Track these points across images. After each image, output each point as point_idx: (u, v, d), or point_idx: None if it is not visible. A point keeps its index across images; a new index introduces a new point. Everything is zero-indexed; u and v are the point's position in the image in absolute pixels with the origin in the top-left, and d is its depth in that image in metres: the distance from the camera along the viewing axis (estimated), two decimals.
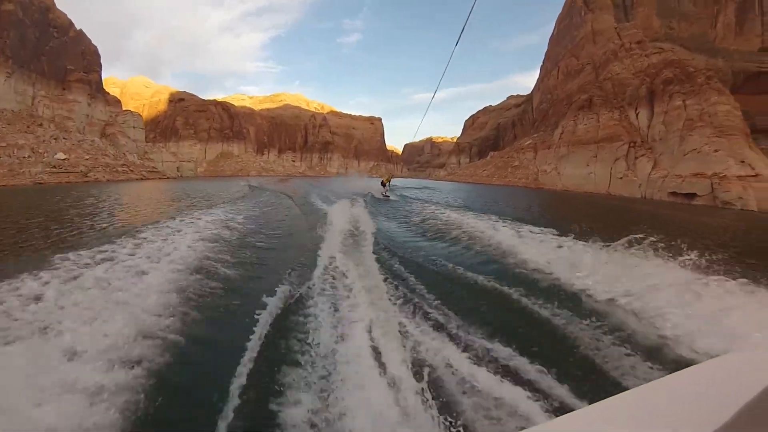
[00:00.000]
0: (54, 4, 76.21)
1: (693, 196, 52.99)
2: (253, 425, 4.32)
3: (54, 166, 58.02)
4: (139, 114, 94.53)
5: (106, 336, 5.47)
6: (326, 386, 4.89)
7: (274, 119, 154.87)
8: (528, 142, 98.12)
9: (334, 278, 9.33)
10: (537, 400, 4.54)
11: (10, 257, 11.49)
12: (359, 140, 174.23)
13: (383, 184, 36.08)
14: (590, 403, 1.63)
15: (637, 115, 68.81)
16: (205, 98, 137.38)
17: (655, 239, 10.06)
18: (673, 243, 9.77)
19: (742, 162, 52.11)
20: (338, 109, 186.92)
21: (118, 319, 5.90)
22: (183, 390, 4.86)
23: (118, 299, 6.66)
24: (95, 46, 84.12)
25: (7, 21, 63.99)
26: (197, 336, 6.17)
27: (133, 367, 4.87)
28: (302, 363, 5.42)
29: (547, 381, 4.96)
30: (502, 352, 5.71)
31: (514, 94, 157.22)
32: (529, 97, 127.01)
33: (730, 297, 6.99)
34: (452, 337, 6.20)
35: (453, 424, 4.23)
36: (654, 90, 67.22)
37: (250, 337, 6.01)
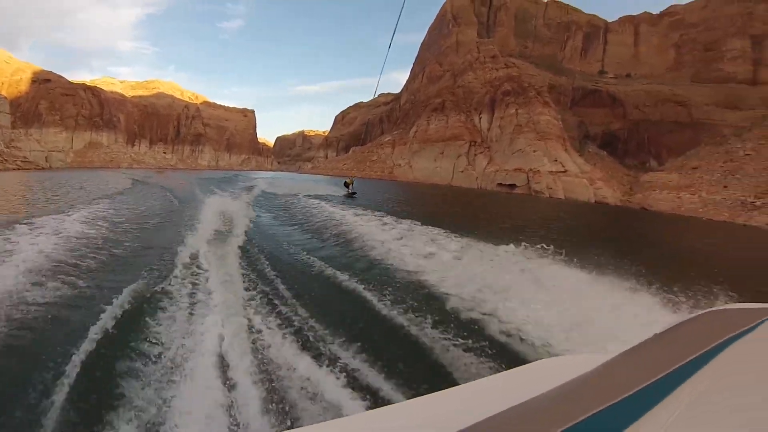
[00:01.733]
0: None
1: (514, 186, 64.28)
2: (83, 423, 4.29)
3: None
4: (5, 96, 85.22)
5: None
6: (165, 385, 4.85)
7: (146, 108, 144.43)
8: (387, 139, 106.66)
9: (193, 274, 9.18)
10: (360, 399, 4.68)
11: None
12: (232, 133, 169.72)
13: (347, 185, 36.27)
14: (411, 397, 1.87)
15: (479, 119, 79.07)
16: (70, 79, 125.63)
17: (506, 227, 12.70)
18: (521, 232, 13.07)
19: (555, 161, 65.54)
20: (212, 100, 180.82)
21: None
22: (10, 391, 4.76)
23: None
24: None
25: None
26: (27, 335, 5.99)
27: None
28: (144, 362, 5.34)
29: (377, 379, 5.10)
30: (344, 350, 5.83)
31: (386, 92, 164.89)
32: (397, 97, 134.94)
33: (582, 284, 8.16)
34: (299, 336, 6.26)
35: (283, 419, 4.38)
36: (495, 99, 78.12)
37: (87, 335, 5.84)
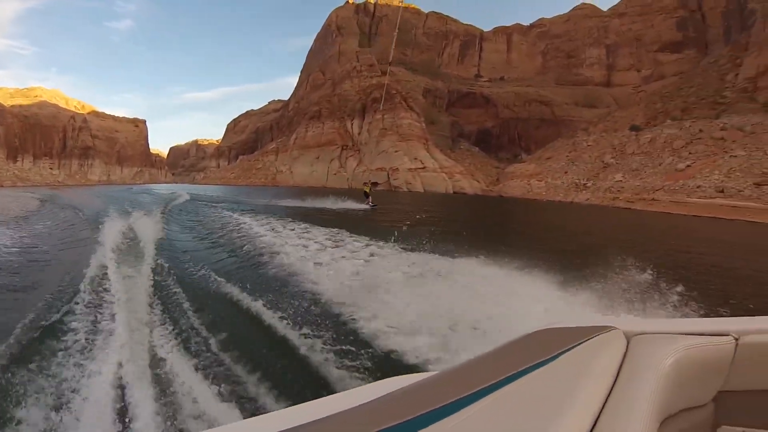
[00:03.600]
0: None
1: (376, 184, 64.47)
2: None
3: None
4: None
5: None
6: (60, 413, 4.64)
7: (27, 119, 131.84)
8: (272, 147, 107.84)
9: (98, 296, 8.71)
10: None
11: None
12: (123, 144, 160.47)
13: (366, 195, 32.62)
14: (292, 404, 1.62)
15: (352, 124, 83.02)
16: None
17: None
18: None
19: (415, 159, 70.34)
20: (102, 107, 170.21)
21: None
22: None
23: None
24: None
25: None
26: None
27: None
28: (31, 402, 4.96)
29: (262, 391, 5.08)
30: (239, 367, 5.72)
31: (275, 99, 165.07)
32: (286, 104, 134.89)
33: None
34: (200, 358, 6.06)
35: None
36: (366, 105, 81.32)
37: None
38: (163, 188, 70.33)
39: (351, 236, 14.08)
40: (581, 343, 1.39)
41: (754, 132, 47.62)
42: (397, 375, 1.66)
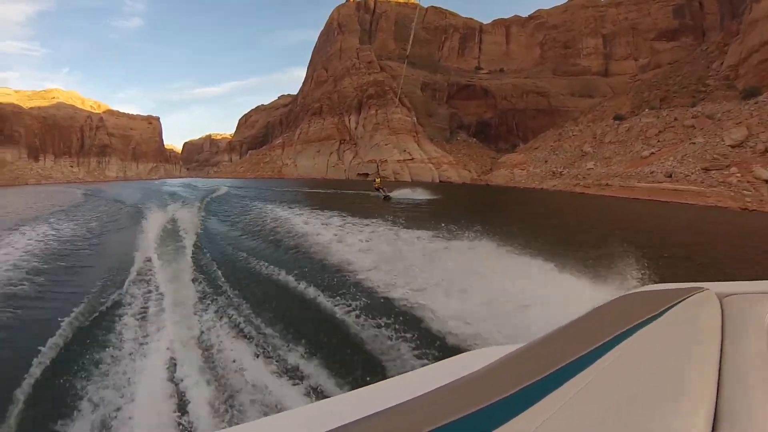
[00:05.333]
0: None
1: (367, 174, 72.42)
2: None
3: None
4: None
5: None
6: (118, 391, 5.15)
7: (46, 120, 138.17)
8: (278, 141, 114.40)
9: (144, 282, 9.65)
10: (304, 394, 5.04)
11: None
12: (137, 141, 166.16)
13: (377, 189, 35.30)
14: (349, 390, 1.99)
15: (349, 119, 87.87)
16: None
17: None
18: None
19: (405, 151, 75.63)
20: (113, 104, 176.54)
21: None
22: None
23: None
24: None
25: None
26: None
27: None
28: (98, 370, 5.64)
29: (313, 368, 5.52)
30: (293, 352, 6.08)
31: (285, 94, 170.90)
32: (295, 98, 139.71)
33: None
34: (247, 338, 6.60)
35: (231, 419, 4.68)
36: (362, 101, 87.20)
37: (44, 347, 6.25)
38: (182, 182, 76.77)
39: (368, 220, 16.43)
40: (676, 304, 1.39)
41: (721, 119, 50.19)
42: (466, 350, 1.94)
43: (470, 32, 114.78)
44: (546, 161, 64.77)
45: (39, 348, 6.18)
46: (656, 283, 1.97)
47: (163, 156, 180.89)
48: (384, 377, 4.22)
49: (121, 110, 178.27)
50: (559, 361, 1.04)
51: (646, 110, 61.41)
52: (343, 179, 76.12)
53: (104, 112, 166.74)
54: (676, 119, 54.91)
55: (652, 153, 49.48)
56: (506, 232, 11.83)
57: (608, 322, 1.43)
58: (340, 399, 1.52)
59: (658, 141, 52.50)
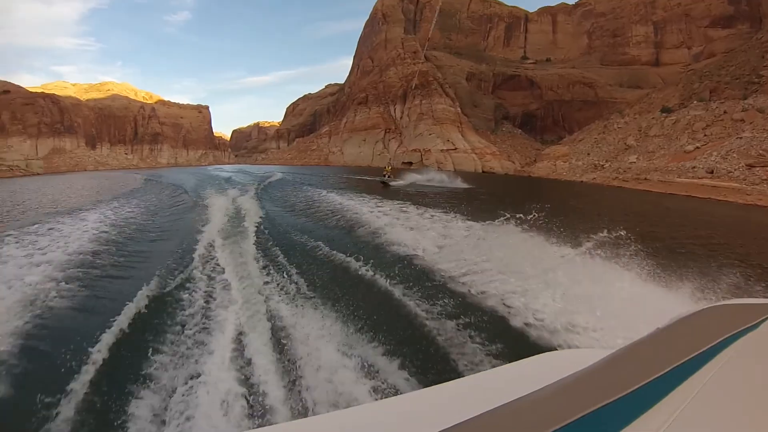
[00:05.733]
0: None
1: (411, 163, 76.27)
2: (103, 411, 4.74)
3: None
4: None
5: None
6: (186, 371, 5.31)
7: (102, 110, 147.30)
8: (325, 129, 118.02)
9: (209, 265, 9.85)
10: (376, 383, 5.00)
11: None
12: (187, 129, 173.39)
13: (385, 174, 37.14)
14: (419, 388, 2.12)
15: (394, 109, 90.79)
16: (11, 82, 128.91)
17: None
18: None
19: (448, 140, 77.81)
20: (165, 95, 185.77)
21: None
22: (33, 378, 5.40)
23: None
24: None
25: None
26: (54, 329, 6.79)
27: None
28: (163, 351, 5.82)
29: (389, 366, 5.38)
30: (361, 338, 6.08)
31: (332, 83, 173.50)
32: (341, 87, 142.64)
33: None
34: (315, 324, 6.60)
35: (303, 407, 4.70)
36: (407, 91, 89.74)
37: (109, 328, 6.42)
38: (236, 168, 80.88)
39: (424, 208, 16.51)
40: None
41: None
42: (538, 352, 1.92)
43: (516, 21, 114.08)
44: (588, 154, 65.19)
45: (108, 323, 6.53)
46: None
47: (213, 143, 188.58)
48: (457, 374, 4.37)
49: (175, 100, 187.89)
50: (662, 367, 1.06)
51: (695, 102, 60.83)
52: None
53: (156, 102, 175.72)
54: (725, 112, 54.37)
55: (697, 147, 49.59)
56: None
57: (703, 332, 1.51)
58: (426, 393, 1.57)
59: (705, 135, 52.24)
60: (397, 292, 7.83)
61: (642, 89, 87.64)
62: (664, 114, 63.35)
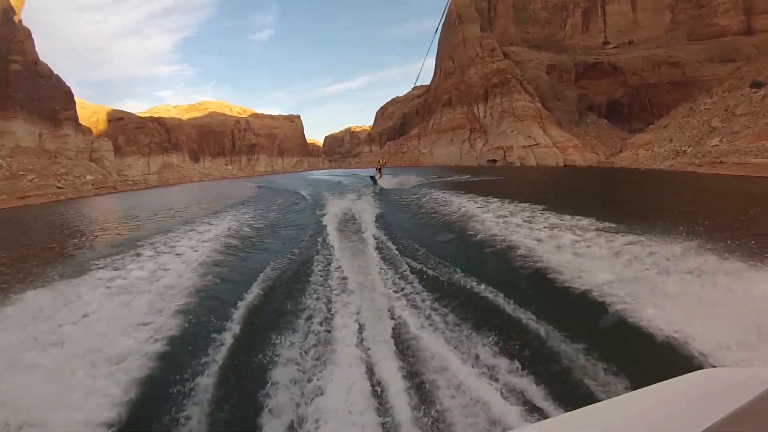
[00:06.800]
0: (38, 57, 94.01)
1: (495, 161, 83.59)
2: (232, 406, 5.08)
3: (93, 185, 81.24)
4: (106, 138, 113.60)
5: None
6: (310, 376, 5.42)
7: (202, 127, 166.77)
8: (414, 132, 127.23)
9: (329, 266, 10.36)
10: (514, 404, 4.71)
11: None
12: (281, 139, 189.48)
13: (378, 170, 36.11)
14: (567, 410, 1.96)
15: (478, 109, 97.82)
16: (123, 108, 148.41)
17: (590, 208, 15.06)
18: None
19: (529, 137, 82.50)
20: (258, 109, 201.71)
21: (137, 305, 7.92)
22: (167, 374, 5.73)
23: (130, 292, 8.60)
24: (68, 87, 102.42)
25: (15, 78, 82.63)
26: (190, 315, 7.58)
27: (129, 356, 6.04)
28: (282, 351, 6.14)
29: (527, 384, 5.06)
30: (488, 351, 5.85)
31: (418, 85, 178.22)
32: (427, 89, 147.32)
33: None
34: (443, 333, 6.49)
35: (435, 423, 4.52)
36: (488, 90, 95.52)
37: (229, 326, 7.02)
38: (344, 172, 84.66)
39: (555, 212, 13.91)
40: None
41: None
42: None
43: (592, 5, 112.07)
44: (671, 140, 65.06)
45: (230, 317, 7.19)
46: None
47: (306, 150, 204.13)
48: (591, 396, 4.60)
49: (267, 112, 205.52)
50: None
51: None
52: (475, 166, 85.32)
53: (250, 115, 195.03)
54: None
55: None
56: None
57: None
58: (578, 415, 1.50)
59: None
60: (528, 315, 6.96)
61: (736, 62, 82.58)
62: (753, 89, 60.86)
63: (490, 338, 6.17)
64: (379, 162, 36.61)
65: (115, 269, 10.41)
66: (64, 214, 38.70)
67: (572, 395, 4.84)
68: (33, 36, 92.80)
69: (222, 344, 6.44)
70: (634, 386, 4.06)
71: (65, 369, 5.62)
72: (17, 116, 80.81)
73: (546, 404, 4.72)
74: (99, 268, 10.55)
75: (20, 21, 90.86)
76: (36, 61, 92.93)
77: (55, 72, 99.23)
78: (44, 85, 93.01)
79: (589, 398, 4.67)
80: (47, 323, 7.15)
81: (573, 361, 5.60)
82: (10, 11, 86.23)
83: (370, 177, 35.02)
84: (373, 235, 13.42)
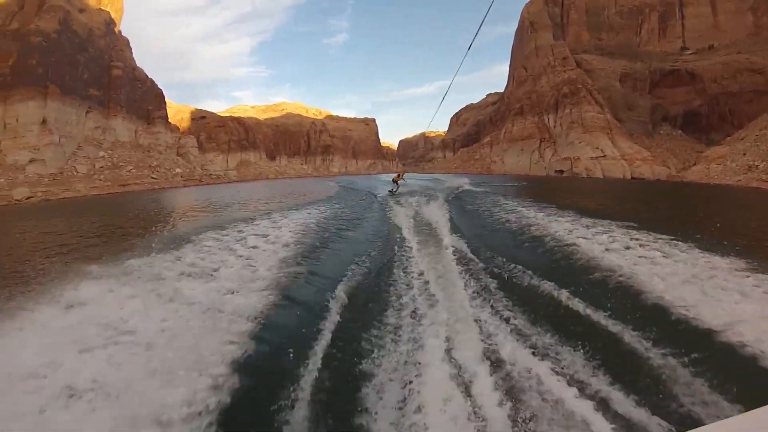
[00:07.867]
0: (136, 64, 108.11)
1: (562, 171, 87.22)
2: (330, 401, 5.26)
3: (181, 177, 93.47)
4: (191, 135, 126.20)
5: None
6: (401, 383, 5.54)
7: (278, 128, 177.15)
8: (486, 140, 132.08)
9: (409, 269, 10.55)
10: (616, 426, 4.62)
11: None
12: (356, 141, 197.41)
13: (395, 181, 36.33)
14: None
15: (548, 119, 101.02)
16: (203, 107, 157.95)
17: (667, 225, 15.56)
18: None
19: (597, 148, 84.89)
20: (331, 110, 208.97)
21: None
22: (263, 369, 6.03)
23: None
24: (161, 89, 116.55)
25: (116, 82, 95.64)
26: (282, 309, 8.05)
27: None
28: (368, 356, 6.21)
29: (625, 402, 5.06)
30: (584, 367, 5.82)
31: (492, 92, 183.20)
32: (501, 96, 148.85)
33: None
34: (529, 344, 6.48)
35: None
36: (558, 100, 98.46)
37: (323, 330, 7.14)
38: (430, 177, 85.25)
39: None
40: None
41: None
42: None
43: (669, 8, 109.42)
44: (744, 153, 63.95)
45: (318, 325, 7.31)
46: None
47: (380, 153, 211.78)
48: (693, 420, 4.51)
49: (341, 114, 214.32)
50: None
51: None
52: (543, 175, 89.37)
53: (325, 117, 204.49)
54: None
55: None
56: None
57: None
58: None
59: None
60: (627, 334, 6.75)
61: None
62: None
63: (585, 353, 6.11)
64: (399, 175, 37.29)
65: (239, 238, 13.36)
66: (190, 197, 47.93)
67: (674, 416, 4.83)
68: (130, 44, 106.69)
69: (319, 337, 6.85)
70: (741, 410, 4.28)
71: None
72: (117, 115, 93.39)
73: (650, 422, 4.71)
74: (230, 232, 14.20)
75: (119, 31, 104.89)
76: (134, 67, 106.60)
77: (149, 76, 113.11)
78: (140, 87, 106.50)
79: (697, 422, 4.58)
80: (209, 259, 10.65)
81: (675, 381, 5.48)
82: (111, 23, 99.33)
83: (389, 191, 35.27)
84: (451, 243, 13.29)
